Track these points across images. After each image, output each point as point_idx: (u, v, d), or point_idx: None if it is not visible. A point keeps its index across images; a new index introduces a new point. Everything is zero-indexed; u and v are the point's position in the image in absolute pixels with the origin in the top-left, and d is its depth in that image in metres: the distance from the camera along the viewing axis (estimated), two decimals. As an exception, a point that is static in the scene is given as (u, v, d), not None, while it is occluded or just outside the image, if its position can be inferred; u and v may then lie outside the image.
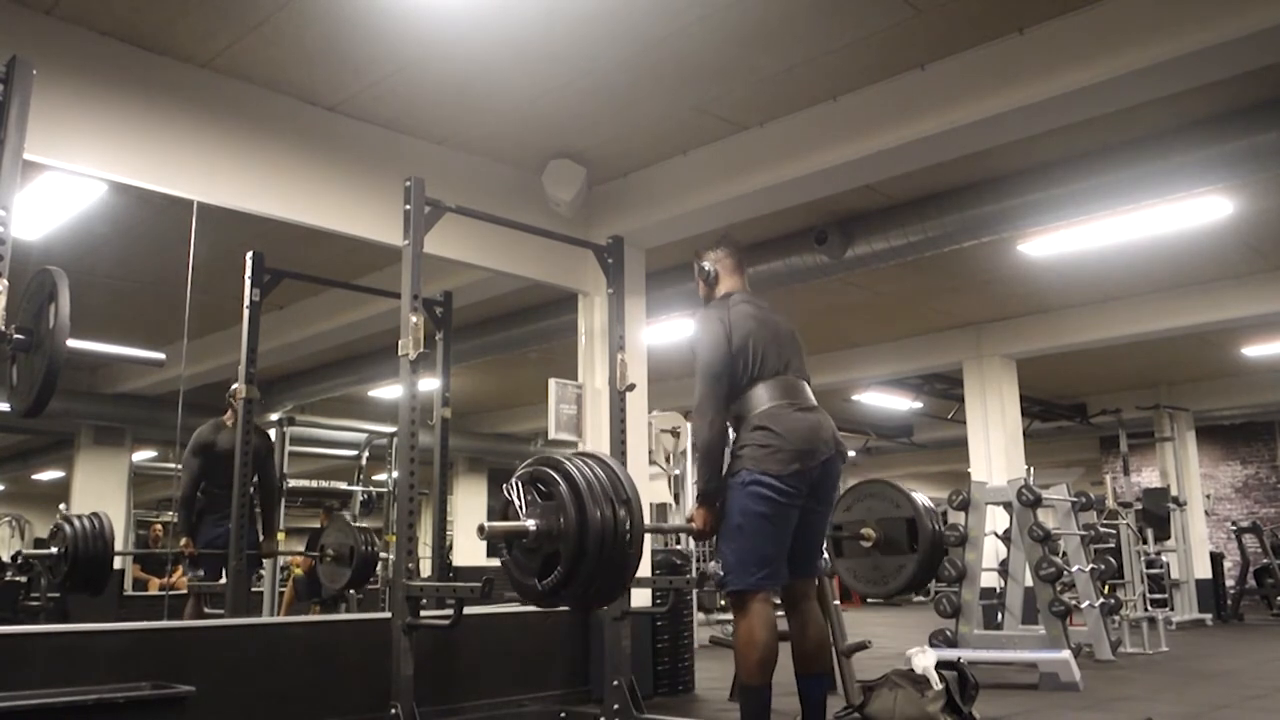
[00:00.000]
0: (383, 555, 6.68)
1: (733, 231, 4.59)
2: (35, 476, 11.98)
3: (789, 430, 3.29)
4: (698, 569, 6.37)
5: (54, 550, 5.14)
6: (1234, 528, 12.75)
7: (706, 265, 3.71)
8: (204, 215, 4.39)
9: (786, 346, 3.50)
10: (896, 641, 7.66)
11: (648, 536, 5.56)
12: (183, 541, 5.55)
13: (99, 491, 8.65)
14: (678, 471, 8.39)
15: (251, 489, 5.60)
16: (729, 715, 3.41)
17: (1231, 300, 7.93)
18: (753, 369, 3.40)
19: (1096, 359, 10.02)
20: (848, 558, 3.85)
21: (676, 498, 8.47)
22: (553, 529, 2.87)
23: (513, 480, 3.03)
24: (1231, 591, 11.77)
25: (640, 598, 5.19)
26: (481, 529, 2.83)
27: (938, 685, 4.05)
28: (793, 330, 3.59)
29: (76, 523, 5.16)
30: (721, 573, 3.28)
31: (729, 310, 3.51)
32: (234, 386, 5.33)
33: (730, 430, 3.42)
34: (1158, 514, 11.00)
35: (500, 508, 3.06)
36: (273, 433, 8.97)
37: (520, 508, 2.94)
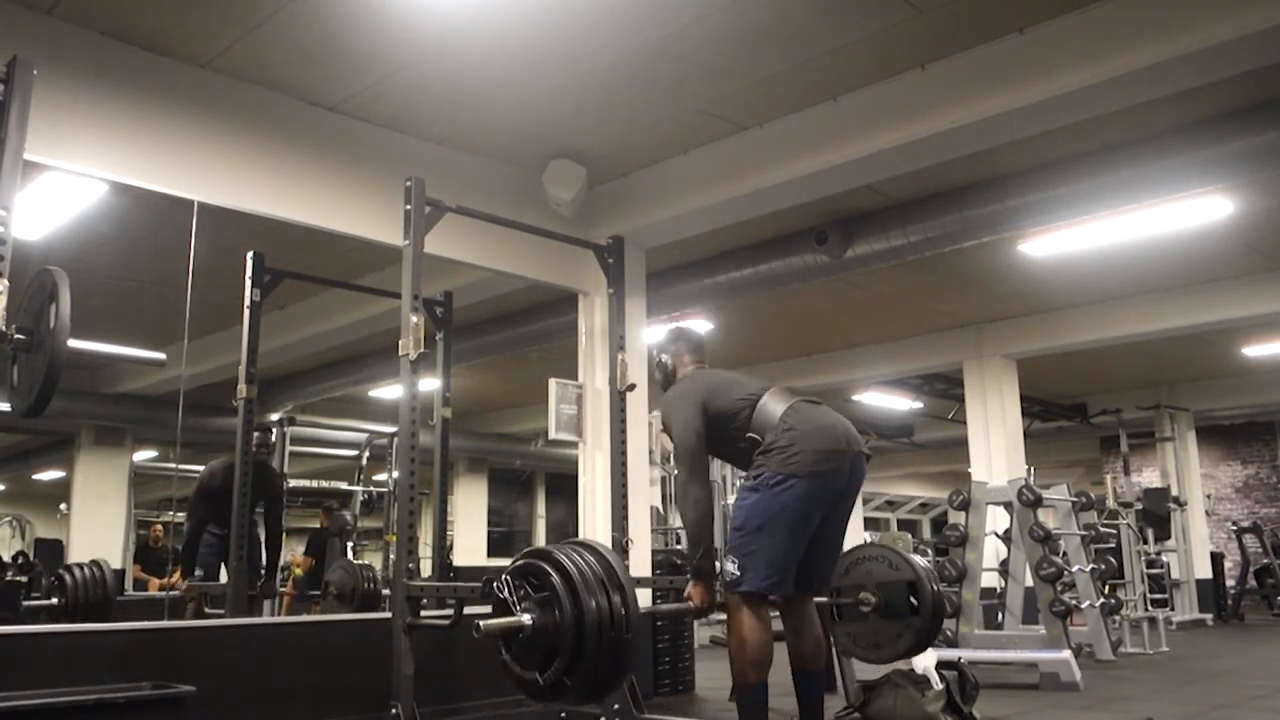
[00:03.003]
0: (385, 592, 6.65)
1: (686, 325, 4.71)
2: (35, 476, 11.97)
3: (814, 430, 3.34)
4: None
5: (55, 601, 5.19)
6: (1234, 528, 12.75)
7: (664, 358, 3.83)
8: (204, 215, 4.38)
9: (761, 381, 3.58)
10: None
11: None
12: (184, 585, 5.55)
13: (99, 491, 8.64)
14: (678, 472, 8.34)
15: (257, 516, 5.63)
16: (729, 715, 3.41)
17: (1231, 300, 7.92)
18: (750, 394, 3.47)
19: (1096, 359, 10.01)
20: (846, 622, 3.79)
21: (666, 499, 8.43)
22: (549, 622, 2.82)
23: (503, 576, 3.00)
24: (1232, 591, 11.77)
25: (640, 598, 5.17)
26: (477, 628, 2.79)
27: (938, 685, 4.06)
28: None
29: (77, 572, 5.19)
30: (737, 573, 3.29)
31: (692, 381, 3.63)
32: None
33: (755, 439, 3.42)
34: (1158, 514, 11.00)
35: (494, 606, 3.00)
36: (273, 433, 8.97)
37: (514, 604, 2.91)
